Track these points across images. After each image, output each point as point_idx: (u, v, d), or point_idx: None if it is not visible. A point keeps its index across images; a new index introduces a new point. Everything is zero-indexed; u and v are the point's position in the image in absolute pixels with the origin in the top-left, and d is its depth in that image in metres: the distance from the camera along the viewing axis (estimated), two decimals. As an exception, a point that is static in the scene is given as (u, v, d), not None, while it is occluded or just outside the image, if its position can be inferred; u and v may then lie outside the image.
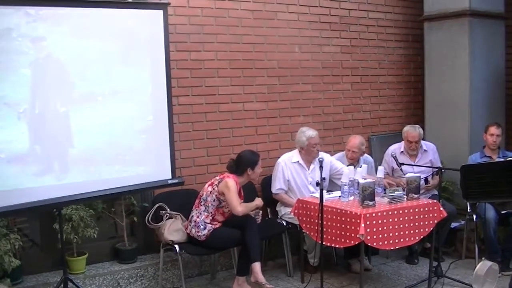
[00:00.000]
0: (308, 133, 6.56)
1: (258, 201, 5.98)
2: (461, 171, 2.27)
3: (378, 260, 6.97)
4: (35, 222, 5.90)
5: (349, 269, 6.64)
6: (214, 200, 5.82)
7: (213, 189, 5.82)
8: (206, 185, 5.91)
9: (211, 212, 5.82)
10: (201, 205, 5.85)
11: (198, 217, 5.81)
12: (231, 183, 5.77)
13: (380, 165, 6.53)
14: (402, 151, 6.91)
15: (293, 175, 6.58)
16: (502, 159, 5.22)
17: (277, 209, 6.71)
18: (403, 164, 6.49)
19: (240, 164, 5.95)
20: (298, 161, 6.61)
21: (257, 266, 5.69)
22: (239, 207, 5.71)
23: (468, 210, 6.67)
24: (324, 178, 6.04)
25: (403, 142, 6.94)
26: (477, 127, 7.31)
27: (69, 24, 5.24)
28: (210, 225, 5.79)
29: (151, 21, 5.80)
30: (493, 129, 6.78)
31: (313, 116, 7.43)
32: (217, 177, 5.90)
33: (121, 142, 5.63)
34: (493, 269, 4.47)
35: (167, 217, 5.96)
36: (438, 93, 7.89)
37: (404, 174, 6.26)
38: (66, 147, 5.33)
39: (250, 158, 5.98)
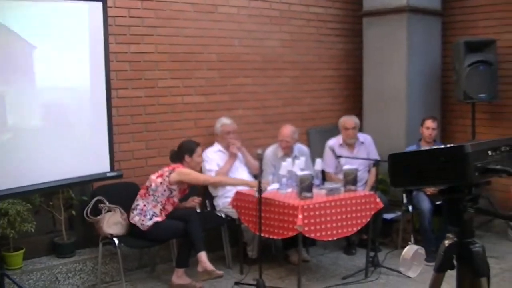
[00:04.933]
0: (223, 120, 6.83)
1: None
2: (389, 159, 2.35)
3: (316, 251, 7.05)
4: (-31, 217, 5.81)
5: (288, 260, 6.71)
6: (165, 191, 5.89)
7: (164, 180, 5.89)
8: (154, 177, 5.94)
9: (161, 202, 5.90)
10: (149, 195, 5.89)
11: (145, 205, 5.85)
12: (183, 169, 5.95)
13: (318, 158, 6.61)
14: (340, 144, 7.05)
15: (219, 164, 6.69)
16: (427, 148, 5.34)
17: (215, 203, 6.77)
18: (340, 156, 6.61)
19: (180, 152, 6.08)
20: (219, 149, 6.78)
21: (203, 255, 5.74)
22: (211, 178, 6.36)
23: (404, 202, 6.78)
24: (262, 171, 6.14)
25: (341, 135, 7.08)
26: (414, 121, 7.46)
27: (4, 16, 5.13)
28: (155, 217, 5.83)
29: (90, 13, 5.73)
30: (429, 123, 6.96)
31: (253, 109, 7.47)
32: (166, 169, 5.97)
33: (59, 135, 5.53)
34: (419, 253, 4.63)
35: (106, 210, 5.93)
36: (376, 87, 8.02)
37: (342, 167, 6.38)
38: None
39: (188, 146, 6.12)
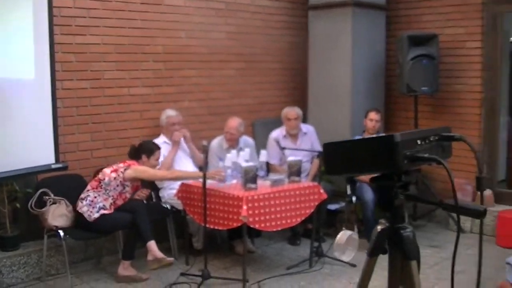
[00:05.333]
0: (168, 112, 6.85)
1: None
2: (324, 148, 2.44)
3: (262, 242, 7.15)
4: None
5: (233, 251, 6.79)
6: (117, 186, 5.92)
7: (118, 175, 5.91)
8: (108, 171, 5.95)
9: (112, 196, 5.92)
10: (101, 188, 5.90)
11: (96, 197, 5.86)
12: (139, 166, 6.01)
13: (263, 150, 6.68)
14: (284, 135, 7.18)
15: (164, 155, 6.65)
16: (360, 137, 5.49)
17: (160, 194, 6.78)
18: (285, 148, 6.70)
19: (138, 150, 6.13)
20: (164, 141, 6.75)
21: (152, 244, 5.79)
22: (169, 175, 6.29)
23: (348, 192, 6.92)
24: (207, 163, 6.20)
25: (284, 126, 7.19)
26: (358, 113, 7.59)
27: None
28: (103, 210, 5.83)
29: (35, 3, 5.67)
30: (373, 115, 7.10)
31: (199, 101, 7.49)
32: (121, 165, 6.00)
33: (2, 126, 5.47)
34: (353, 238, 4.82)
35: (50, 203, 5.88)
36: (321, 79, 8.12)
37: (287, 158, 6.47)
38: None
39: (148, 147, 6.20)
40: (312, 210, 6.16)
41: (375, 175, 2.37)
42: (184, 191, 6.24)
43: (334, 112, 7.94)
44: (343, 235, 5.03)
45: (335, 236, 6.80)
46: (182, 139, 6.86)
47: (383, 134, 2.19)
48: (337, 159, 2.39)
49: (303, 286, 5.90)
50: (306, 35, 8.35)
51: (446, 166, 2.17)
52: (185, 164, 6.81)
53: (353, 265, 6.05)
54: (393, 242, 2.38)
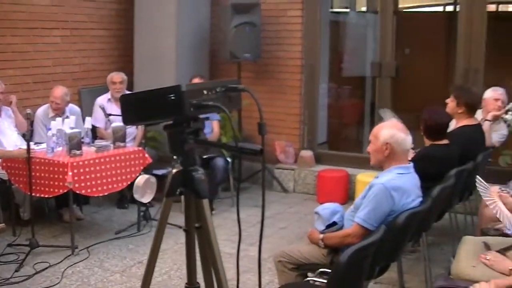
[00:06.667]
0: None
1: None
2: (120, 100, 2.63)
3: (90, 209, 7.22)
4: None
5: (61, 219, 6.77)
6: None
7: None
8: None
9: None
10: None
11: None
12: None
13: (88, 117, 6.72)
14: (109, 99, 7.35)
15: None
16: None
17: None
18: (111, 114, 6.76)
19: None
20: None
21: None
22: None
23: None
24: (33, 130, 6.17)
25: (110, 92, 7.35)
26: (183, 79, 7.61)
27: None
28: None
29: None
30: (197, 80, 7.25)
31: (22, 69, 7.30)
32: None
33: None
34: (151, 181, 5.06)
35: None
36: (146, 46, 8.17)
37: (111, 124, 6.56)
38: None
39: None
40: (137, 175, 6.26)
41: (168, 123, 2.56)
42: (9, 161, 6.14)
43: (159, 78, 7.89)
44: (142, 178, 5.27)
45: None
46: (12, 104, 6.73)
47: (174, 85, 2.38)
48: (132, 109, 2.57)
49: (131, 249, 6.05)
50: (131, 2, 8.34)
51: (227, 113, 2.40)
52: (9, 135, 6.64)
53: (180, 227, 6.19)
54: (186, 184, 2.60)
